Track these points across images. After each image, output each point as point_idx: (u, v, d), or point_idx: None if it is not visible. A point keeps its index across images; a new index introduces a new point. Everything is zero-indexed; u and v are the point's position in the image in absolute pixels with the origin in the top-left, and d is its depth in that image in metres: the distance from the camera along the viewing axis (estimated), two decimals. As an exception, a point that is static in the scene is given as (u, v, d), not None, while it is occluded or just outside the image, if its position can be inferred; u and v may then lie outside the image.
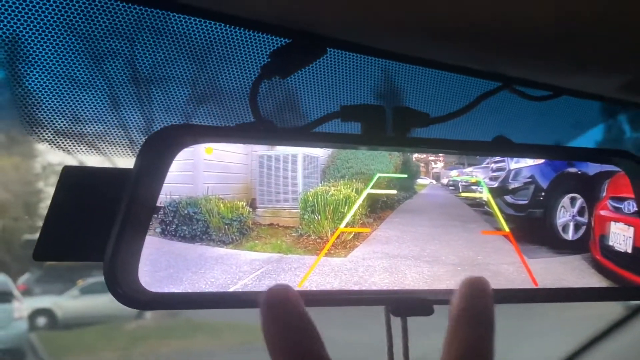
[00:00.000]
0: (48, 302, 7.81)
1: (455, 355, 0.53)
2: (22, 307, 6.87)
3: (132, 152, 0.99)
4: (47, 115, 0.89)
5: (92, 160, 0.98)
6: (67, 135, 0.94)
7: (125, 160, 1.01)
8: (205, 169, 0.75)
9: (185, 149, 0.72)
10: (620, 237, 0.89)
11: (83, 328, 7.44)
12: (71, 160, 0.99)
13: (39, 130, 0.91)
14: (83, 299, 7.97)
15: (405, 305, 0.80)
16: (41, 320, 7.63)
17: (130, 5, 0.75)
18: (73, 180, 0.71)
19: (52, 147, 0.94)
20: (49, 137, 0.93)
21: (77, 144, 0.95)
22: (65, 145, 0.95)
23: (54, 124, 0.91)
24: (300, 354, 0.50)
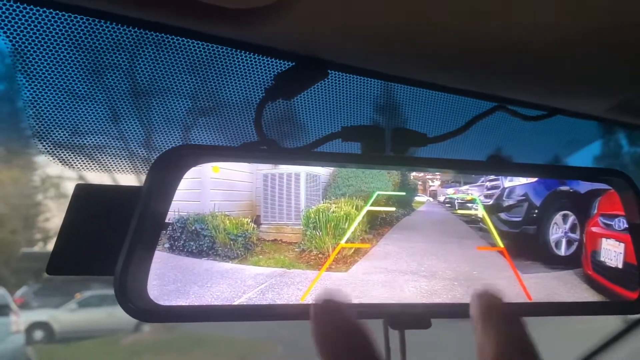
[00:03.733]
0: (45, 316, 7.78)
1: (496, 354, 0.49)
2: (19, 320, 6.85)
3: (131, 164, 1.00)
4: (47, 127, 0.91)
5: (91, 173, 1.00)
6: (66, 148, 0.95)
7: (125, 173, 1.02)
8: (212, 186, 0.78)
9: (193, 168, 0.75)
10: (611, 253, 0.92)
11: (80, 342, 7.40)
12: (70, 173, 1.01)
13: (38, 143, 0.92)
14: (80, 312, 7.94)
15: (403, 318, 0.83)
16: (38, 334, 7.58)
17: (132, 28, 0.78)
18: (85, 198, 0.74)
19: (51, 159, 0.95)
20: (48, 149, 0.94)
21: (77, 156, 0.97)
22: (64, 157, 0.96)
23: (53, 136, 0.92)
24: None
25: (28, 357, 6.58)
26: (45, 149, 0.93)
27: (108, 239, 0.71)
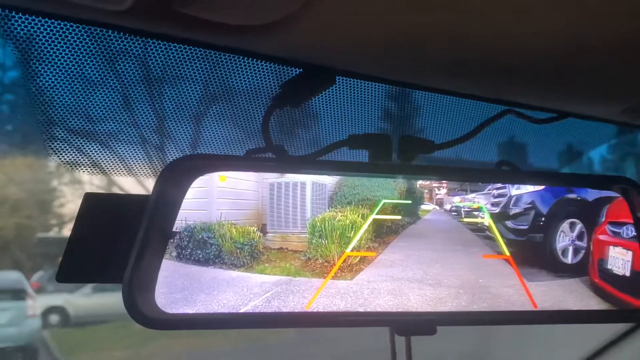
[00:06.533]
0: (60, 300, 7.88)
1: None
2: (35, 304, 6.94)
3: (143, 151, 1.01)
4: (61, 113, 0.91)
5: (105, 159, 1.00)
6: (80, 134, 0.96)
7: (137, 160, 1.02)
8: (218, 195, 0.79)
9: (200, 177, 0.76)
10: (618, 260, 0.92)
11: (95, 326, 7.51)
12: (84, 159, 1.01)
13: (52, 129, 0.93)
14: (95, 297, 8.03)
15: (409, 325, 0.84)
16: (54, 318, 7.70)
17: (146, 39, 0.78)
18: (94, 206, 0.75)
19: (65, 145, 0.96)
20: (62, 135, 0.95)
21: (90, 142, 0.98)
22: (78, 143, 0.97)
23: (67, 122, 0.93)
24: None
25: (44, 341, 6.68)
26: (60, 135, 0.94)
27: (116, 247, 0.73)
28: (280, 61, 0.84)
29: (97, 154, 1.00)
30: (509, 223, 0.89)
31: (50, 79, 0.85)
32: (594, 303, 0.90)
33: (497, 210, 0.89)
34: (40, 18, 0.73)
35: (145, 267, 0.72)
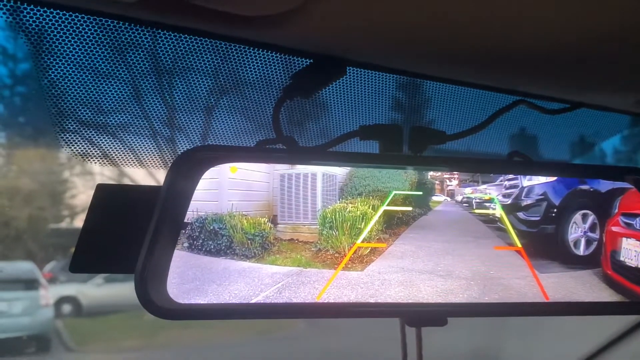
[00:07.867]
0: (73, 290, 7.94)
1: None
2: (48, 294, 7.01)
3: (154, 142, 1.02)
4: (72, 105, 0.92)
5: (116, 150, 1.01)
6: (90, 126, 0.97)
7: (147, 151, 1.03)
8: (229, 187, 0.79)
9: (212, 168, 0.76)
10: (631, 252, 0.91)
11: (107, 316, 7.58)
12: (95, 150, 1.02)
13: (64, 121, 0.94)
14: (107, 287, 8.10)
15: (420, 316, 0.84)
16: (66, 308, 7.77)
17: (156, 30, 0.78)
18: (106, 197, 0.76)
19: (76, 136, 0.97)
20: (73, 127, 0.96)
21: (101, 134, 0.99)
22: (89, 135, 0.98)
23: (78, 114, 0.94)
24: None
25: (57, 330, 6.76)
26: (71, 127, 0.95)
27: (129, 238, 0.73)
28: (291, 52, 0.84)
29: (108, 145, 1.00)
30: (521, 214, 0.88)
31: (62, 71, 0.86)
32: (606, 295, 0.89)
33: (508, 201, 0.89)
34: (51, 10, 0.73)
35: (157, 257, 0.72)
